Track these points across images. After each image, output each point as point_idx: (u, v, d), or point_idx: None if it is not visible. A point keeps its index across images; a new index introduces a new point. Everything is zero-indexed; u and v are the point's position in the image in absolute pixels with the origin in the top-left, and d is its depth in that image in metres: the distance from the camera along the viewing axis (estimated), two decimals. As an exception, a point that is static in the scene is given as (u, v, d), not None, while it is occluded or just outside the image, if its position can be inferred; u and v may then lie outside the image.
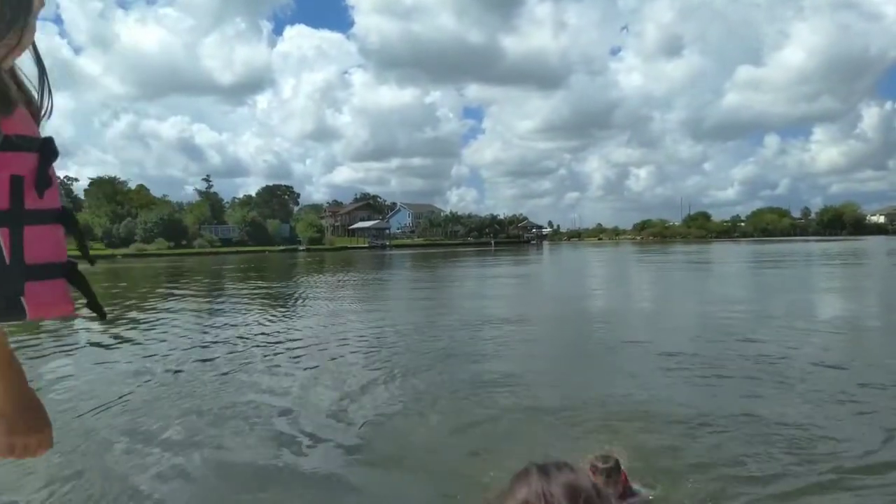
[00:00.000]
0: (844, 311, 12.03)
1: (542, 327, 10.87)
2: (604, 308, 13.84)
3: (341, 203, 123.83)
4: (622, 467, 3.26)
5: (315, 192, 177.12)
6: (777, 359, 7.24)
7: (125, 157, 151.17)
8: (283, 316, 12.77)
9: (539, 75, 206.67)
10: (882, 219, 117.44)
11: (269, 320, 12.01)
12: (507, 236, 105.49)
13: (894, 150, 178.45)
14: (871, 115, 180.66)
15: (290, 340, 9.46)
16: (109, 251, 69.02)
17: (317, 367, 7.52)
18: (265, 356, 8.21)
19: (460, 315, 12.05)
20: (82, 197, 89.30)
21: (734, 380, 6.35)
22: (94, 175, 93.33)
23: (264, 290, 18.96)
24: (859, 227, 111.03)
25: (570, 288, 19.63)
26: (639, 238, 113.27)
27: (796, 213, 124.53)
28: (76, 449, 4.60)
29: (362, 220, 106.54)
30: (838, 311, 11.91)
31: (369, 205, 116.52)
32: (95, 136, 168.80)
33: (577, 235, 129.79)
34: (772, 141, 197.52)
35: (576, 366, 7.59)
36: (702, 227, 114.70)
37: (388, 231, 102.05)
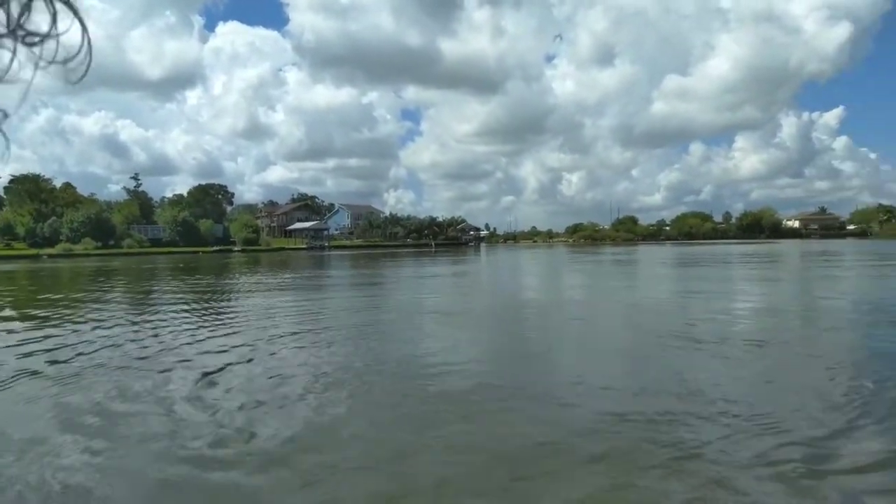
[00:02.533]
0: (759, 299, 13.60)
1: (486, 318, 11.80)
2: (542, 300, 14.93)
3: (277, 203, 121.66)
4: None
5: (247, 192, 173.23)
6: (704, 338, 8.17)
7: (44, 154, 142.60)
8: (211, 317, 11.68)
9: (477, 79, 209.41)
10: (797, 223, 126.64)
11: (196, 321, 10.85)
12: (445, 238, 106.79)
13: (810, 159, 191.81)
14: (789, 125, 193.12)
15: (216, 339, 8.68)
16: (34, 251, 65.62)
17: (245, 363, 6.92)
18: (180, 360, 7.23)
19: (410, 309, 12.80)
20: (2, 195, 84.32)
21: (661, 358, 7.02)
22: (12, 172, 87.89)
23: (196, 290, 18.96)
24: (776, 231, 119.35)
25: (514, 283, 20.75)
26: (571, 241, 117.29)
27: (718, 218, 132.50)
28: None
29: (300, 220, 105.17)
30: (753, 300, 13.45)
31: (307, 205, 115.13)
32: (13, 131, 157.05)
33: (512, 238, 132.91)
34: (696, 148, 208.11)
35: (512, 355, 7.77)
36: (629, 231, 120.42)
37: (326, 232, 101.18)
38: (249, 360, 6.94)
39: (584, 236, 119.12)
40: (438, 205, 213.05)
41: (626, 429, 4.39)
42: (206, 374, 6.23)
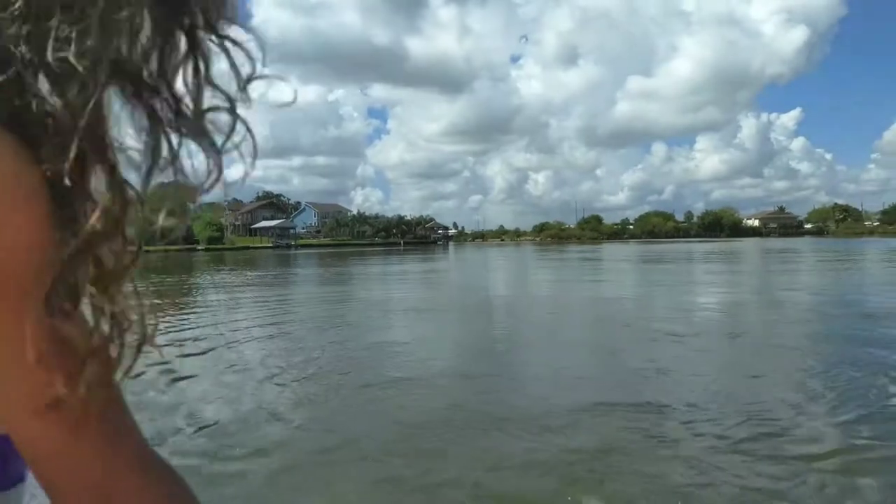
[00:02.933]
0: (726, 293, 13.73)
1: (458, 313, 11.62)
2: (514, 295, 14.83)
3: (241, 201, 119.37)
4: None
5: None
6: (677, 331, 8.21)
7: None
8: (168, 315, 10.22)
9: (444, 78, 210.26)
10: (756, 222, 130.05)
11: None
12: (414, 237, 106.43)
13: (769, 160, 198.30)
14: (749, 126, 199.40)
15: (171, 334, 8.08)
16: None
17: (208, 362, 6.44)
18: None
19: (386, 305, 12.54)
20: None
21: (636, 349, 7.07)
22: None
23: (158, 289, 18.15)
24: (736, 230, 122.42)
25: (485, 280, 20.64)
26: (538, 239, 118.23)
27: (680, 217, 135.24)
28: None
29: (265, 219, 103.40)
30: (721, 295, 13.57)
31: (273, 203, 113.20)
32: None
33: (481, 236, 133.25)
34: (659, 149, 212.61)
35: (486, 348, 7.52)
36: (595, 230, 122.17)
37: (293, 231, 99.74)
38: (203, 353, 6.62)
39: (550, 235, 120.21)
40: (406, 204, 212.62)
41: (602, 416, 4.24)
42: (155, 369, 5.86)
